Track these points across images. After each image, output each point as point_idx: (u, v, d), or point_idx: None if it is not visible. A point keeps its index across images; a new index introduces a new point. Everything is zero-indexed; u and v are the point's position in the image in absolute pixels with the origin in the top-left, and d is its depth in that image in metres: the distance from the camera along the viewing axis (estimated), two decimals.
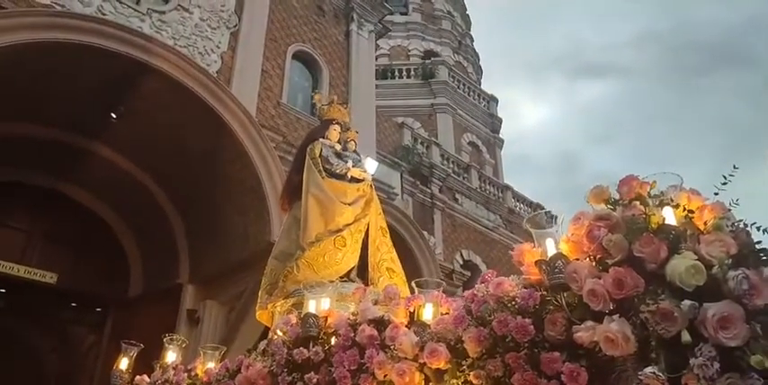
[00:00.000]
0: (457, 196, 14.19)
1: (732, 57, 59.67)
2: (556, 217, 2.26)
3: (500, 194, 15.60)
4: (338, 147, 4.41)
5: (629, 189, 2.10)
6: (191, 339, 8.08)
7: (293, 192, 4.24)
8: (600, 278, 1.89)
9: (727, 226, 1.87)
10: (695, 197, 1.98)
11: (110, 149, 8.60)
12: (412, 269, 9.43)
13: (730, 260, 1.74)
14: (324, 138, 4.41)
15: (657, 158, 61.45)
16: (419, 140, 14.19)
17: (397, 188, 12.09)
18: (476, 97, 19.00)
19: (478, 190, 14.80)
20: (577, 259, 2.04)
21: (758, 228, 1.95)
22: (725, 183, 1.99)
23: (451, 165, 14.60)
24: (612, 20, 70.42)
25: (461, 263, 13.28)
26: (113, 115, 7.83)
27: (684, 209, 1.85)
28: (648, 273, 1.82)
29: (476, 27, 23.82)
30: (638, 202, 1.95)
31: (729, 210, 1.96)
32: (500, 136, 18.93)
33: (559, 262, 2.02)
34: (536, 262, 2.11)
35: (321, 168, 4.10)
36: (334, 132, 4.46)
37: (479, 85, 20.91)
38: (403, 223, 9.68)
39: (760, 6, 56.65)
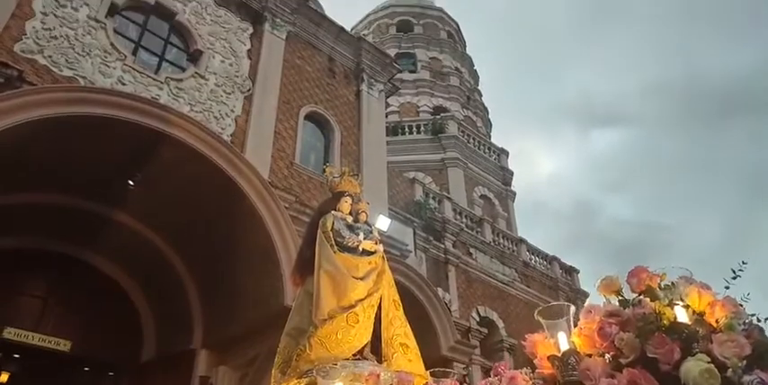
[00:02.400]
0: (471, 251, 14.13)
1: (743, 103, 60.14)
2: (568, 307, 2.25)
3: (514, 248, 15.51)
4: (350, 219, 4.45)
5: (639, 281, 2.11)
6: None
7: (305, 267, 4.25)
8: (614, 377, 1.88)
9: (740, 324, 1.86)
10: (706, 292, 1.98)
11: (126, 215, 8.73)
12: (426, 330, 9.31)
13: (744, 362, 1.73)
14: (335, 210, 4.46)
15: (673, 205, 61.11)
16: (431, 195, 14.27)
17: (410, 245, 12.07)
18: (486, 150, 19.19)
19: (492, 244, 14.74)
20: (590, 355, 2.03)
21: None
22: (735, 277, 2.00)
23: (464, 220, 14.61)
24: (622, 69, 71.77)
25: (478, 319, 13.08)
26: (131, 182, 7.99)
27: (695, 312, 1.84)
28: (662, 374, 1.81)
29: (487, 80, 24.38)
30: (648, 299, 1.96)
31: (741, 305, 1.96)
32: (512, 188, 19.00)
33: (572, 358, 2.01)
34: (549, 357, 2.10)
35: (333, 242, 4.12)
36: (346, 204, 4.51)
37: (489, 138, 21.16)
38: (416, 283, 9.61)
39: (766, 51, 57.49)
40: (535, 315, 2.21)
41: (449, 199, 14.61)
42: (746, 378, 1.68)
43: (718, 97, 60.97)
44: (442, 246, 13.25)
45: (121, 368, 9.41)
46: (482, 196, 17.91)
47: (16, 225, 8.30)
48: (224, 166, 7.87)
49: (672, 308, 1.89)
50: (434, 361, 9.21)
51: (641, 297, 2.00)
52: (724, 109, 62.28)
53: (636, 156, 67.00)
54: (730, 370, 1.72)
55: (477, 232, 14.62)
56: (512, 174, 19.33)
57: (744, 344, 1.77)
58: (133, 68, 9.14)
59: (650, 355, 1.82)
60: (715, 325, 1.87)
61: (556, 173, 65.13)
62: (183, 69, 10.04)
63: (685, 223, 62.67)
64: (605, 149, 65.76)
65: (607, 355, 2.01)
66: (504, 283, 14.29)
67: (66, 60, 8.44)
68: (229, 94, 10.28)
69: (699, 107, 65.02)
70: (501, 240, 15.25)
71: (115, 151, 7.81)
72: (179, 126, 7.66)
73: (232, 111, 10.16)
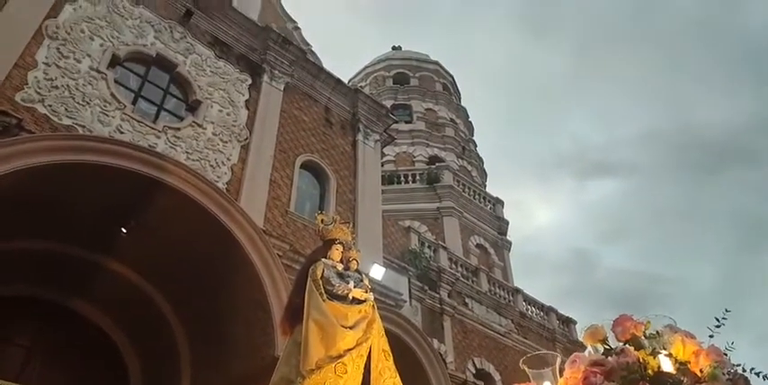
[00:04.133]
0: (467, 301, 13.98)
1: (737, 154, 60.97)
2: (554, 356, 2.23)
3: (511, 298, 15.36)
4: (340, 267, 4.44)
5: (624, 329, 2.10)
6: None
7: (294, 315, 4.21)
8: None
9: (724, 373, 1.84)
10: (690, 341, 1.97)
11: (118, 263, 8.66)
12: (421, 382, 9.11)
13: None
14: (326, 257, 4.45)
15: (670, 254, 60.96)
16: (426, 244, 14.23)
17: (405, 294, 11.94)
18: (481, 200, 19.29)
19: (488, 294, 14.60)
20: None
21: (757, 374, 1.93)
22: (718, 326, 1.99)
23: (460, 269, 14.52)
24: (616, 119, 73.05)
25: (474, 372, 12.81)
26: (123, 230, 7.97)
27: (677, 360, 1.83)
28: None
29: (483, 131, 24.77)
30: (632, 347, 1.95)
31: (725, 354, 1.94)
32: (508, 238, 18.98)
33: None
34: None
35: (323, 290, 4.10)
36: (337, 252, 4.51)
37: (485, 188, 21.32)
38: (410, 333, 9.46)
39: (761, 105, 58.80)
40: (520, 363, 2.18)
41: (444, 248, 14.57)
42: None
43: (712, 147, 61.86)
44: (438, 295, 13.12)
45: None
46: (478, 245, 17.88)
47: (4, 272, 8.21)
48: (218, 214, 7.88)
49: (655, 357, 1.87)
50: None
51: (625, 346, 1.98)
52: (718, 159, 63.11)
53: (631, 206, 67.30)
54: None
55: (472, 282, 14.51)
56: (507, 223, 19.37)
57: None
58: (132, 117, 9.27)
59: None
60: (699, 374, 1.85)
61: (553, 223, 65.18)
62: (182, 119, 10.19)
63: (683, 273, 62.38)
64: (601, 199, 66.13)
65: None
66: (500, 334, 14.07)
67: (66, 109, 8.57)
68: (226, 142, 10.40)
69: (693, 157, 65.87)
70: (497, 290, 15.12)
71: (109, 198, 7.83)
72: (174, 174, 7.72)
73: (228, 159, 10.25)
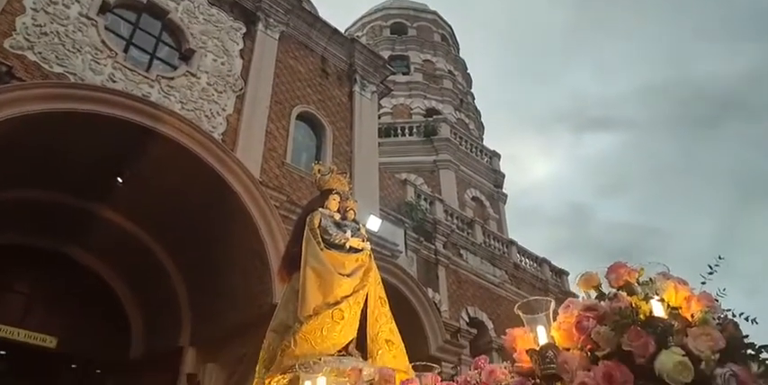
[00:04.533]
0: (461, 252, 14.15)
1: (738, 107, 60.60)
2: (548, 301, 2.27)
3: (505, 249, 15.56)
4: (337, 216, 4.45)
5: (618, 276, 2.13)
6: None
7: (292, 264, 4.25)
8: (590, 370, 1.89)
9: (715, 318, 1.88)
10: (682, 287, 2.01)
11: (115, 212, 8.70)
12: (416, 330, 9.33)
13: (717, 355, 1.75)
14: (323, 207, 4.46)
15: (667, 209, 61.48)
16: (422, 196, 14.28)
17: (401, 245, 12.08)
18: (478, 153, 19.25)
19: (483, 245, 14.77)
20: (568, 349, 2.04)
21: (746, 318, 1.97)
22: (711, 273, 2.02)
23: (455, 221, 14.64)
24: (616, 73, 72.10)
25: (467, 320, 13.10)
26: (119, 179, 7.96)
27: (669, 306, 1.86)
28: (637, 366, 1.83)
29: (482, 84, 24.48)
30: (625, 293, 1.98)
31: (716, 300, 1.98)
32: (503, 191, 19.05)
33: (550, 352, 2.02)
34: (527, 351, 2.11)
35: (320, 239, 4.13)
36: (334, 202, 4.51)
37: (482, 141, 21.23)
38: (406, 283, 9.63)
39: (762, 57, 57.98)
40: (515, 309, 2.23)
41: (440, 200, 14.63)
42: (719, 370, 1.70)
43: (712, 100, 61.51)
44: (433, 246, 13.27)
45: (109, 365, 9.37)
46: (473, 198, 17.96)
47: (1, 220, 8.25)
48: (214, 164, 7.86)
49: (648, 303, 1.91)
50: (423, 360, 9.21)
51: (618, 291, 2.02)
52: (717, 112, 62.84)
53: (629, 160, 67.37)
54: (704, 363, 1.74)
55: (467, 234, 14.65)
56: (503, 176, 19.39)
57: (718, 337, 1.80)
58: (124, 66, 9.10)
59: (626, 349, 1.84)
60: (690, 319, 1.90)
61: (550, 176, 65.37)
62: (175, 68, 10.01)
63: (677, 226, 63.06)
64: (599, 153, 66.12)
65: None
66: (494, 285, 14.32)
67: (57, 57, 8.40)
68: (221, 92, 10.26)
69: (692, 110, 65.51)
70: (492, 242, 15.29)
71: (104, 148, 7.78)
72: (169, 123, 7.65)
73: (223, 109, 10.13)
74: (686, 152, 62.95)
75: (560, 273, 16.60)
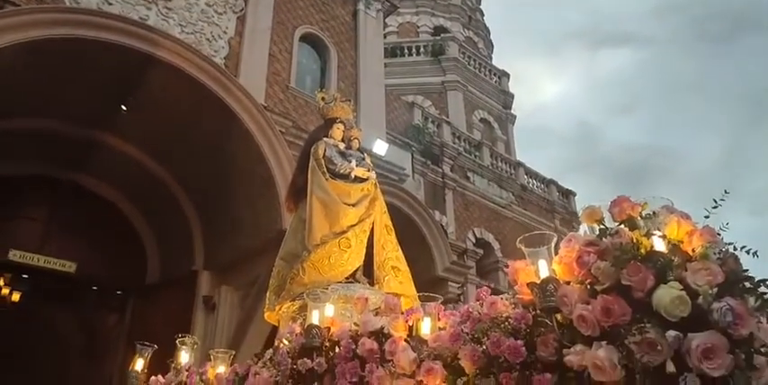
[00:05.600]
0: (468, 174, 14.18)
1: (755, 23, 58.12)
2: (550, 235, 2.28)
3: (512, 171, 15.55)
4: (342, 145, 4.44)
5: (621, 210, 2.12)
6: (207, 324, 8.33)
7: (298, 193, 4.29)
8: (589, 304, 1.93)
9: (716, 253, 1.89)
10: (685, 221, 2.00)
11: (123, 141, 8.70)
12: (423, 251, 9.54)
13: (715, 289, 1.77)
14: (327, 136, 4.44)
15: (677, 128, 60.70)
16: (430, 119, 14.12)
17: (407, 169, 12.10)
18: (487, 73, 18.79)
19: (490, 167, 14.77)
20: (568, 282, 2.08)
21: (747, 252, 1.98)
22: (715, 207, 2.01)
23: (463, 144, 14.56)
24: None
25: (474, 241, 13.34)
26: (123, 107, 7.89)
27: (669, 242, 1.87)
28: (636, 301, 1.86)
29: (492, 1, 23.41)
30: (627, 229, 1.98)
31: (719, 234, 1.98)
32: (512, 112, 18.77)
33: (551, 285, 2.06)
34: (528, 284, 2.15)
35: (325, 169, 4.14)
36: (338, 131, 4.48)
37: (491, 60, 20.65)
38: (412, 206, 9.73)
39: None
40: (517, 243, 2.24)
41: (447, 123, 14.47)
42: (716, 305, 1.73)
43: (728, 16, 58.85)
44: (440, 170, 13.28)
45: (128, 288, 9.74)
46: (482, 120, 17.74)
47: (14, 151, 8.29)
48: (217, 90, 7.75)
49: (649, 238, 1.92)
50: (431, 280, 9.50)
51: (620, 227, 2.02)
52: (736, 28, 60.41)
53: (642, 78, 65.65)
54: (701, 297, 1.76)
55: (475, 156, 14.60)
56: (512, 97, 19.03)
57: (717, 272, 1.81)
58: None
59: (625, 283, 1.86)
60: (691, 253, 1.90)
61: (561, 96, 64.05)
62: None
63: (687, 146, 62.44)
64: (611, 71, 64.31)
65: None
66: (501, 206, 14.45)
67: None
68: (221, 14, 9.92)
69: (708, 27, 62.91)
70: (499, 164, 15.26)
71: (105, 75, 7.66)
72: (168, 48, 7.47)
73: (225, 32, 9.83)
74: (700, 69, 61.14)
75: (567, 194, 16.68)
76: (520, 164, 15.92)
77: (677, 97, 62.47)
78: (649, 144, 62.13)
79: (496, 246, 13.77)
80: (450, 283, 9.84)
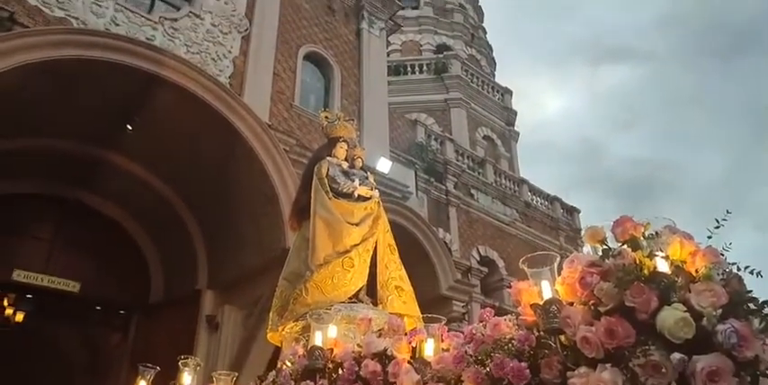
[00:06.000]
0: (472, 192, 14.18)
1: (758, 38, 58.44)
2: (553, 256, 2.27)
3: (516, 188, 15.55)
4: (345, 165, 4.45)
5: (623, 231, 2.12)
6: (210, 344, 8.28)
7: (301, 212, 4.30)
8: (593, 325, 1.92)
9: (719, 273, 1.88)
10: (688, 242, 2.00)
11: (128, 160, 8.74)
12: (427, 270, 9.51)
13: (719, 311, 1.76)
14: (331, 155, 4.45)
15: (681, 142, 60.70)
16: (433, 137, 14.18)
17: (411, 186, 12.11)
18: (489, 90, 18.90)
19: (494, 184, 14.77)
20: (571, 303, 2.07)
21: (752, 272, 1.97)
22: (717, 227, 2.00)
23: (466, 161, 14.59)
24: (634, 3, 69.32)
25: (478, 259, 13.30)
26: (129, 127, 7.95)
27: (672, 262, 1.86)
28: (640, 323, 1.85)
29: (494, 18, 23.64)
30: (629, 249, 1.98)
31: (722, 254, 1.97)
32: (515, 128, 18.83)
33: (554, 306, 2.05)
34: (531, 305, 2.14)
35: (328, 188, 4.14)
36: (341, 150, 4.50)
37: (493, 77, 20.78)
38: (416, 223, 9.72)
39: None
40: (520, 264, 2.24)
41: (451, 140, 14.52)
42: (720, 327, 1.71)
43: (730, 31, 59.28)
44: (444, 187, 13.30)
45: (132, 307, 9.72)
46: (485, 137, 17.79)
47: (20, 169, 8.35)
48: (221, 109, 7.80)
49: (652, 259, 1.91)
50: (435, 299, 9.45)
51: (622, 247, 2.01)
52: (736, 44, 60.68)
53: (645, 93, 65.95)
54: (705, 319, 1.75)
55: (478, 173, 14.62)
56: (515, 114, 19.11)
57: (721, 293, 1.80)
58: (126, 7, 8.90)
59: (628, 304, 1.85)
60: (694, 274, 1.90)
61: (563, 111, 64.35)
62: (178, 8, 9.76)
63: (691, 160, 62.38)
64: (614, 86, 64.63)
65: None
66: (505, 224, 14.42)
67: (58, 0, 8.21)
68: (226, 34, 10.04)
69: (711, 42, 63.31)
70: (503, 181, 15.26)
71: (111, 95, 7.73)
72: (173, 68, 7.54)
73: (230, 51, 9.95)
74: (703, 84, 61.43)
75: (571, 211, 16.64)
76: (523, 181, 15.92)
77: (679, 112, 62.68)
78: (653, 158, 62.13)
79: (501, 263, 13.71)
80: (454, 302, 9.78)
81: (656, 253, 1.92)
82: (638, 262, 1.93)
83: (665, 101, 64.48)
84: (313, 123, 10.46)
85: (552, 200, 16.41)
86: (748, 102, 58.15)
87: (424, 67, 17.98)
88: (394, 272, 4.11)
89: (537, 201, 15.94)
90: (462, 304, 10.19)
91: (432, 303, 8.60)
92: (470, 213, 13.74)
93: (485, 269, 12.95)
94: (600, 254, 2.08)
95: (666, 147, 63.66)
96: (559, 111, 64.18)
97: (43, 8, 8.04)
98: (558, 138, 67.77)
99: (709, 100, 60.71)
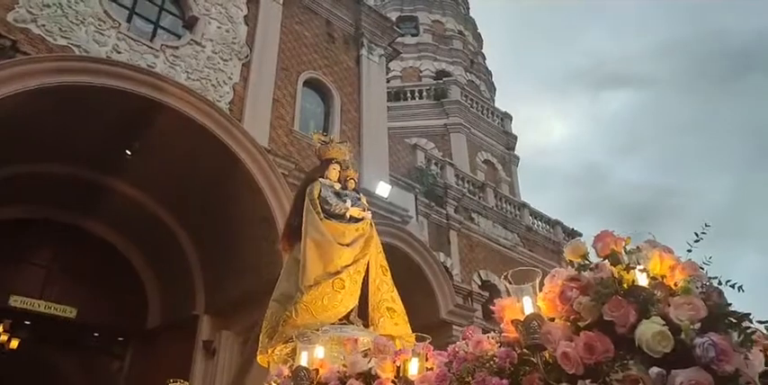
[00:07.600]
0: (473, 216, 14.16)
1: (757, 63, 58.93)
2: (535, 272, 2.26)
3: (517, 212, 15.53)
4: (337, 186, 4.46)
5: (604, 245, 2.12)
6: (207, 369, 8.19)
7: (293, 234, 4.28)
8: (572, 341, 1.90)
9: (698, 287, 1.87)
10: (667, 255, 1.99)
11: (126, 184, 8.79)
12: (426, 294, 9.44)
13: (698, 325, 1.74)
14: (323, 177, 4.47)
15: (684, 167, 60.72)
16: (433, 161, 14.23)
17: (411, 211, 12.09)
18: (489, 115, 19.02)
19: (495, 209, 14.76)
20: (553, 319, 2.05)
21: (732, 286, 1.95)
22: (697, 241, 2.00)
23: (467, 185, 14.60)
24: (634, 30, 70.24)
25: (479, 283, 13.20)
26: (128, 152, 8.01)
27: (649, 276, 1.85)
28: (619, 337, 1.83)
29: (495, 45, 23.96)
30: (608, 263, 1.97)
31: (702, 268, 1.96)
32: (515, 153, 18.89)
33: (535, 322, 2.03)
34: (512, 321, 2.12)
35: (319, 210, 4.14)
36: (334, 171, 4.51)
37: (493, 102, 20.95)
38: (415, 248, 9.68)
39: None
40: (501, 279, 2.23)
41: (451, 164, 14.57)
42: (698, 340, 1.69)
43: (729, 57, 59.82)
44: (444, 211, 13.28)
45: (129, 333, 9.65)
46: (485, 161, 17.85)
47: (17, 195, 8.39)
48: (220, 134, 7.87)
49: (630, 272, 1.90)
50: (434, 324, 9.35)
51: (601, 261, 2.01)
52: (737, 67, 61.18)
53: (647, 118, 66.34)
54: (683, 332, 1.73)
55: (479, 197, 14.62)
56: (515, 138, 19.20)
57: (700, 306, 1.78)
58: (128, 36, 9.04)
59: (607, 319, 1.83)
60: (674, 288, 1.88)
61: (565, 136, 64.67)
62: (179, 37, 9.93)
63: (695, 185, 62.32)
64: (616, 112, 65.06)
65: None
66: (506, 248, 14.35)
67: (60, 29, 8.35)
68: (227, 61, 10.18)
69: (711, 66, 63.83)
70: (503, 205, 15.25)
71: (112, 121, 7.81)
72: (174, 95, 7.64)
73: (230, 78, 10.07)
74: (703, 109, 61.73)
75: (573, 235, 16.56)
76: (524, 205, 15.91)
77: (681, 137, 62.87)
78: (655, 183, 62.08)
79: (502, 288, 13.59)
80: (454, 327, 9.68)
81: (635, 266, 1.91)
82: (616, 275, 1.92)
83: (667, 125, 64.83)
84: (312, 148, 10.31)
85: (554, 224, 16.36)
86: (749, 126, 58.34)
87: (424, 93, 18.16)
88: (386, 293, 4.07)
89: (538, 225, 15.90)
90: (463, 329, 10.07)
91: (432, 328, 8.50)
92: (471, 237, 13.70)
93: (486, 293, 12.83)
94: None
95: (669, 172, 63.68)
96: (561, 136, 64.53)
97: (46, 37, 8.18)
98: (560, 163, 67.95)
99: (710, 124, 60.96)
